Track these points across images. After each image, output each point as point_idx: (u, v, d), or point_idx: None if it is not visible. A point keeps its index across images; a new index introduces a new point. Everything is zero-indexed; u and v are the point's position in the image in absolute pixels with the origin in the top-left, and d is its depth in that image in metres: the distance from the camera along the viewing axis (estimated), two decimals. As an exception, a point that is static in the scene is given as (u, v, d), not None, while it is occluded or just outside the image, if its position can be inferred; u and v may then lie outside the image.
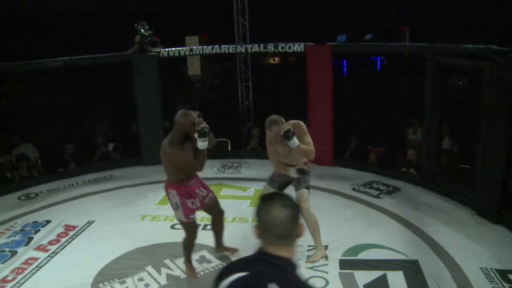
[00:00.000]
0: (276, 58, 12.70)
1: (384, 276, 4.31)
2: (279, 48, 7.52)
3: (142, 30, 7.53)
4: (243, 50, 7.92)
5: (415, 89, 6.81)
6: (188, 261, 4.54)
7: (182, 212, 4.24)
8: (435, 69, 6.04)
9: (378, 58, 11.24)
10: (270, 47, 7.57)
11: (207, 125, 4.06)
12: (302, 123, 4.78)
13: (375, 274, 4.34)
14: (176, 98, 9.20)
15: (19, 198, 6.89)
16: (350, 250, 4.77)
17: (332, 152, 7.47)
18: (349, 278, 4.30)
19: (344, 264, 4.53)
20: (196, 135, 4.01)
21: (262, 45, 7.67)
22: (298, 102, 8.11)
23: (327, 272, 4.40)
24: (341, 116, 7.49)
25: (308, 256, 4.69)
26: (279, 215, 1.88)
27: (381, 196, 6.23)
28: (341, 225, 5.34)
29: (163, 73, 7.81)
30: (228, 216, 5.63)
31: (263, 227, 1.92)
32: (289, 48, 7.42)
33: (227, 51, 7.82)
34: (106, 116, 8.55)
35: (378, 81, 8.89)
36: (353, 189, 6.50)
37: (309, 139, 4.71)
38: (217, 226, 4.74)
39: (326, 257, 4.69)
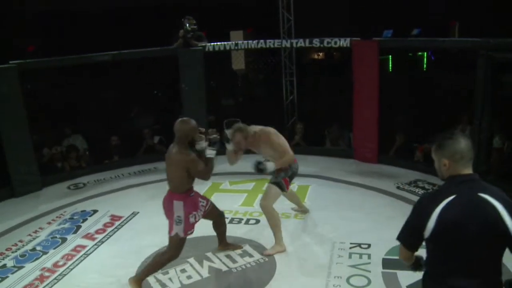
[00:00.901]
0: (321, 54, 12.59)
1: (429, 276, 4.20)
2: (325, 43, 7.43)
3: (187, 25, 7.61)
4: (288, 45, 7.88)
5: (464, 85, 6.61)
6: (140, 280, 4.13)
7: (183, 228, 4.03)
8: (487, 65, 5.84)
9: (426, 54, 10.98)
10: (316, 42, 7.49)
11: (218, 136, 4.18)
12: (271, 129, 4.83)
13: (419, 274, 4.22)
14: (220, 92, 9.28)
15: (68, 187, 7.14)
16: (393, 250, 4.65)
17: (376, 149, 7.35)
18: (392, 278, 4.22)
19: (387, 263, 4.45)
20: (206, 143, 4.06)
21: (307, 40, 7.60)
22: (342, 98, 8.03)
23: (369, 271, 4.34)
24: (386, 112, 7.36)
25: (350, 254, 4.63)
26: (467, 143, 2.31)
27: (426, 195, 6.07)
28: (385, 224, 5.24)
29: (207, 67, 7.87)
30: (269, 211, 5.69)
31: (455, 157, 2.29)
32: (335, 43, 7.33)
33: (272, 45, 7.80)
34: (152, 109, 8.70)
35: (425, 77, 8.68)
36: (398, 187, 6.37)
37: (281, 146, 4.73)
38: (220, 227, 4.73)
39: (283, 251, 4.74)
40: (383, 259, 4.51)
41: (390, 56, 10.12)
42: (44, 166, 7.39)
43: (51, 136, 8.11)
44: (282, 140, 4.77)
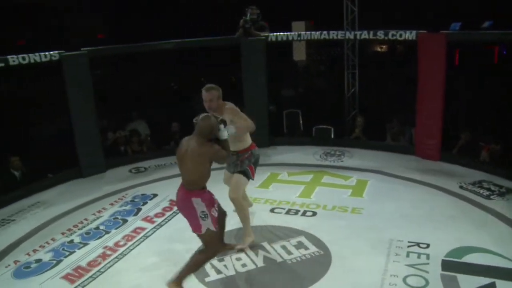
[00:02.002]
0: (384, 46, 12.30)
1: (493, 284, 4.01)
2: (390, 36, 7.23)
3: (248, 15, 7.64)
4: (351, 36, 7.74)
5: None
6: (180, 282, 4.00)
7: (211, 221, 3.87)
8: None
9: (497, 48, 10.46)
10: (380, 34, 7.31)
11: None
12: (230, 106, 4.57)
13: (482, 280, 4.04)
14: (281, 83, 9.27)
15: (130, 171, 7.40)
16: (454, 252, 4.51)
17: (439, 146, 7.11)
18: (452, 281, 4.07)
19: (447, 265, 4.30)
20: (222, 126, 3.99)
21: (371, 32, 7.42)
22: (405, 92, 7.82)
23: (427, 272, 4.21)
24: (451, 109, 7.10)
25: (408, 253, 4.53)
26: None
27: (492, 197, 5.81)
28: (446, 224, 5.08)
29: (269, 57, 7.87)
30: (328, 204, 5.68)
31: None
32: (400, 35, 7.11)
33: (335, 37, 7.68)
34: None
35: (495, 72, 8.29)
36: (461, 187, 6.14)
37: (245, 116, 4.64)
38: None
39: (253, 241, 4.74)
40: (443, 261, 4.37)
41: (457, 49, 9.72)
42: (108, 149, 7.71)
43: (116, 121, 8.43)
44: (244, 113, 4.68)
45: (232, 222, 4.95)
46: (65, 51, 6.71)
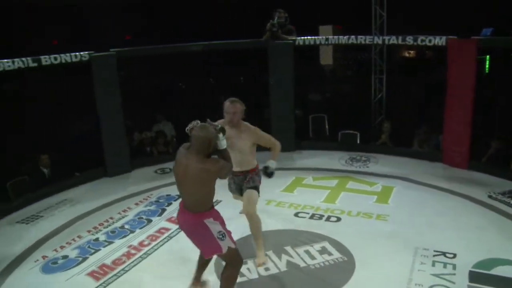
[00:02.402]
0: (411, 52, 12.13)
1: (524, 299, 3.91)
2: (419, 41, 7.13)
3: (276, 18, 7.65)
4: (379, 41, 7.66)
5: None
6: None
7: (230, 239, 3.60)
8: None
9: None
10: (409, 39, 7.20)
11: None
12: (255, 128, 4.61)
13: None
14: (307, 87, 9.23)
15: (155, 171, 7.47)
16: (482, 263, 4.40)
17: (467, 154, 6.97)
18: (480, 293, 3.99)
19: (474, 277, 4.20)
20: (221, 136, 3.55)
21: (400, 37, 7.32)
22: (433, 99, 7.71)
23: (454, 283, 4.11)
24: (481, 116, 6.96)
25: (433, 262, 4.44)
26: None
27: (523, 208, 5.67)
28: (474, 234, 4.97)
29: (295, 62, 7.85)
30: (352, 210, 5.63)
31: None
32: (429, 41, 7.01)
33: (363, 42, 7.62)
34: (240, 100, 8.81)
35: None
36: (490, 196, 6.00)
37: (269, 136, 4.72)
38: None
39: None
40: (470, 272, 4.27)
41: (488, 56, 9.53)
42: (134, 150, 7.79)
43: (142, 122, 8.52)
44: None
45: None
46: (94, 51, 6.83)
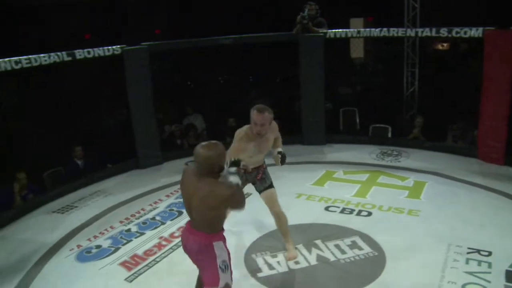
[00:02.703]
0: (445, 44, 11.88)
1: None
2: (453, 33, 6.95)
3: (306, 10, 7.58)
4: (412, 34, 7.51)
5: None
6: None
7: (230, 273, 3.19)
8: None
9: None
10: (443, 31, 7.03)
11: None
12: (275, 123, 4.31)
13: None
14: (337, 80, 9.16)
15: (186, 164, 7.52)
16: (519, 262, 4.30)
17: (503, 150, 6.78)
18: (516, 292, 3.89)
19: (511, 277, 4.09)
20: (234, 169, 3.13)
21: (434, 29, 7.15)
22: (467, 92, 7.52)
23: (489, 282, 4.00)
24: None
25: (467, 260, 4.35)
26: None
27: (562, 205, 5.49)
28: (510, 232, 4.83)
29: (326, 54, 7.78)
30: (383, 204, 5.57)
31: None
32: (465, 33, 6.82)
33: (395, 34, 7.47)
34: (268, 93, 8.83)
35: None
36: (527, 193, 5.84)
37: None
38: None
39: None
40: (507, 271, 4.14)
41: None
42: (165, 142, 7.88)
43: (173, 114, 8.60)
44: None
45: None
46: (126, 45, 6.92)
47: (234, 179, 3.07)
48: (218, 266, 3.09)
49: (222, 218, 3.14)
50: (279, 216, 4.42)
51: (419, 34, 7.39)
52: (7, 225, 5.65)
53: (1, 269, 4.68)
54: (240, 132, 4.13)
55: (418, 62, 8.05)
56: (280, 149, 4.31)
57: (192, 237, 3.12)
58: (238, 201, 3.10)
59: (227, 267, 3.13)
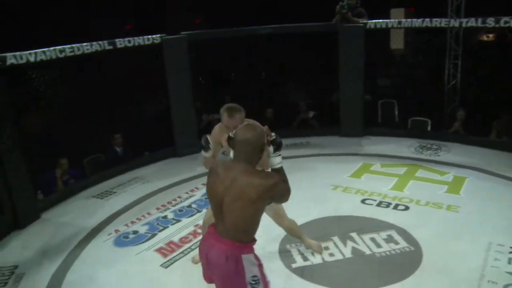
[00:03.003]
0: (491, 35, 11.47)
1: None
2: (501, 23, 6.68)
3: (346, 0, 7.47)
4: (456, 24, 7.29)
5: None
6: None
7: (264, 286, 2.68)
8: None
9: None
10: (490, 21, 6.77)
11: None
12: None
13: None
14: (376, 72, 9.01)
15: (223, 153, 7.50)
16: None
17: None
18: None
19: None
20: (271, 148, 2.73)
21: (479, 19, 6.88)
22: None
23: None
24: None
25: (510, 260, 4.21)
26: None
27: None
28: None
29: (365, 46, 7.64)
30: (421, 199, 5.47)
31: None
32: (515, 23, 6.55)
33: (438, 25, 7.26)
34: (308, 84, 8.77)
35: None
36: None
37: None
38: None
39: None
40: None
41: None
42: (202, 131, 7.92)
43: (211, 103, 8.64)
44: None
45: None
46: (166, 34, 6.99)
47: (277, 160, 2.71)
48: (247, 283, 2.59)
49: (258, 220, 2.64)
50: (291, 228, 4.24)
51: (464, 25, 7.17)
52: (50, 208, 5.86)
53: (45, 250, 4.87)
54: (215, 131, 3.89)
55: (461, 54, 7.81)
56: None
57: (218, 245, 2.60)
58: (282, 192, 2.65)
59: (258, 282, 2.62)
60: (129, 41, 6.57)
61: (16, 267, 4.56)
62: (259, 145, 2.63)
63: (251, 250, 2.66)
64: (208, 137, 3.65)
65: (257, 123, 3.32)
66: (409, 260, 4.26)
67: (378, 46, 8.98)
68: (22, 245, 5.00)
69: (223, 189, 2.57)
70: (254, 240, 2.69)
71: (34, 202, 5.67)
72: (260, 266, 2.67)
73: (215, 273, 2.66)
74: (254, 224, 2.63)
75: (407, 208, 5.29)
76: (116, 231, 5.16)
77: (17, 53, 5.28)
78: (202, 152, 3.66)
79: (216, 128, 3.91)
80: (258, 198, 2.52)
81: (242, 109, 3.67)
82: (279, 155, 2.74)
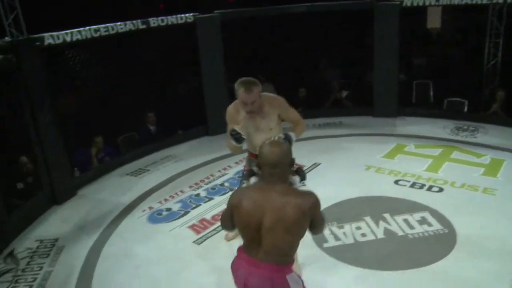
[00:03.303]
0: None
1: None
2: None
3: None
4: (500, 0, 7.01)
5: None
6: None
7: None
8: None
9: None
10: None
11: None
12: (280, 98, 3.66)
13: None
14: (411, 51, 8.80)
15: (253, 174, 7.57)
16: None
17: None
18: None
19: None
20: (296, 178, 2.71)
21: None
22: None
23: None
24: None
25: None
26: None
27: None
28: None
29: (401, 24, 7.46)
30: (456, 181, 5.38)
31: None
32: None
33: (479, 2, 7.00)
34: (341, 63, 8.64)
35: None
36: None
37: (294, 112, 3.69)
38: None
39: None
40: None
41: None
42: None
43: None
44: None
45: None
46: (199, 13, 6.98)
47: (302, 185, 2.64)
48: None
49: (300, 239, 2.46)
50: None
51: (508, 1, 6.87)
52: (86, 185, 6.01)
53: (82, 225, 5.02)
54: (230, 111, 3.64)
55: (503, 32, 7.53)
56: (289, 132, 3.42)
57: (259, 272, 2.42)
58: (321, 214, 2.50)
59: None
60: (162, 20, 6.59)
61: (56, 240, 4.74)
62: (288, 161, 2.47)
63: (290, 268, 2.50)
64: (237, 128, 3.36)
65: (272, 95, 3.38)
66: (443, 242, 4.21)
67: (414, 24, 8.77)
68: (61, 220, 5.18)
69: (260, 213, 2.37)
70: (293, 261, 2.52)
71: (71, 179, 5.83)
72: (302, 282, 2.57)
73: None
74: (296, 245, 2.47)
75: (441, 190, 5.20)
76: (150, 208, 5.25)
77: (54, 33, 5.38)
78: (232, 141, 3.39)
79: (231, 107, 3.64)
80: (299, 219, 2.35)
81: (259, 82, 3.45)
82: (304, 185, 2.66)
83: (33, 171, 5.48)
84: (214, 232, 4.65)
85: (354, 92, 8.33)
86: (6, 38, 4.96)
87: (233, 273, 2.56)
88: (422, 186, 5.30)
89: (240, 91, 3.37)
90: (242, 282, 2.49)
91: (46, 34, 5.29)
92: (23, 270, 4.25)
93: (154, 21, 6.52)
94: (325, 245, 4.26)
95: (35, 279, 4.11)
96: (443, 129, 7.12)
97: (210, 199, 5.36)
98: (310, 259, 4.03)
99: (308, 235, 4.23)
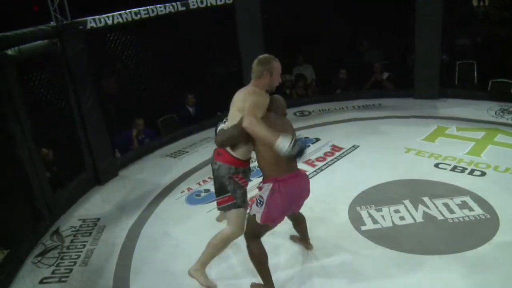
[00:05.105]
0: None
1: None
2: None
3: None
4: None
5: None
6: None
7: (263, 214, 3.26)
8: None
9: None
10: None
11: None
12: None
13: None
14: (454, 31, 8.52)
15: (294, 114, 7.60)
16: None
17: None
18: None
19: None
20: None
21: None
22: None
23: None
24: None
25: None
26: None
27: None
28: None
29: (445, 2, 7.23)
30: (500, 165, 5.26)
31: None
32: None
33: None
34: (382, 45, 8.48)
35: None
36: None
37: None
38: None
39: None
40: None
41: None
42: (273, 93, 7.92)
43: (283, 64, 8.54)
44: None
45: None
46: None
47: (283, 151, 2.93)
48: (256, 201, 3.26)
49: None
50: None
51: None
52: (126, 166, 6.17)
53: (123, 205, 5.18)
54: (267, 98, 3.37)
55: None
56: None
57: (302, 175, 3.39)
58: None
59: (261, 203, 3.20)
60: (201, 2, 6.62)
61: (98, 219, 4.90)
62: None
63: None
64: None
65: None
66: (484, 228, 4.11)
67: (458, 2, 8.49)
68: (102, 200, 5.36)
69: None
70: None
71: (113, 160, 5.99)
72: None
73: (306, 192, 3.40)
74: None
75: (483, 174, 5.08)
76: (189, 189, 5.35)
77: (96, 16, 5.50)
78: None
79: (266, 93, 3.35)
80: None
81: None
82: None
83: (54, 161, 5.41)
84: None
85: (395, 74, 8.18)
86: (52, 23, 5.10)
87: (288, 191, 3.18)
88: (463, 170, 5.19)
89: (275, 63, 3.27)
90: (298, 188, 3.29)
91: (88, 18, 5.41)
92: (67, 248, 4.44)
93: (193, 3, 6.56)
94: (363, 228, 4.25)
95: (78, 256, 4.29)
96: (487, 111, 6.92)
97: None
98: (348, 242, 4.04)
99: (345, 217, 4.28)
